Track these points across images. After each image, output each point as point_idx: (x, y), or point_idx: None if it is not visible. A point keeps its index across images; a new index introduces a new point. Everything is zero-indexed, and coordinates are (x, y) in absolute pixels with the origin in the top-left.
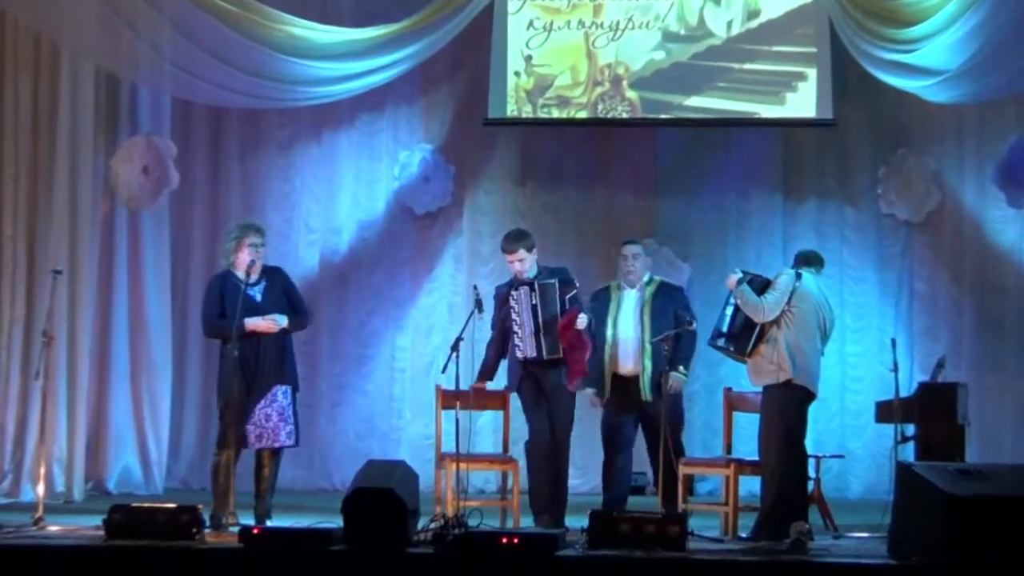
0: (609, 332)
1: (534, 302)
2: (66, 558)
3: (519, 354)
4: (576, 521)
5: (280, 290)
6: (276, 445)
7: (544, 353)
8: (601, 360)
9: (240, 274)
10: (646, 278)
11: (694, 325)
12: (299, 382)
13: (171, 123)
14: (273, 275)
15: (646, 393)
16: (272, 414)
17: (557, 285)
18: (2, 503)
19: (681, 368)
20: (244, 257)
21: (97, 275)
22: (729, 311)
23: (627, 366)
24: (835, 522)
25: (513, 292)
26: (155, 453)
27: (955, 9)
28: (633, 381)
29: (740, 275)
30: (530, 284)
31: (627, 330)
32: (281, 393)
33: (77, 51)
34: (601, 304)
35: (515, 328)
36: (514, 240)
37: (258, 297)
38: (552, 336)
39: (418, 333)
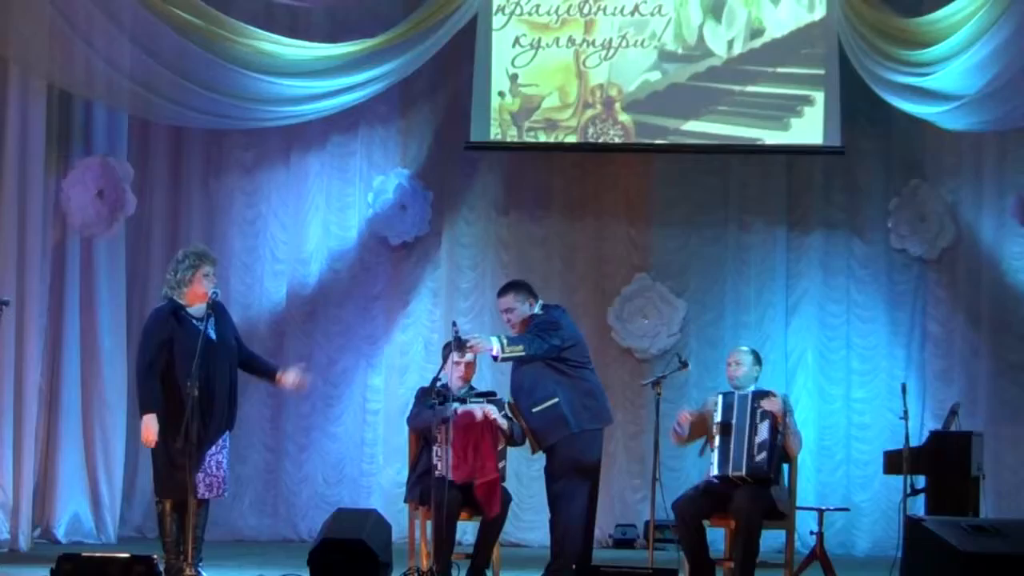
0: None
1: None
2: None
3: (436, 473)
4: None
5: (228, 325)
6: (223, 496)
7: (475, 478)
8: None
9: (193, 309)
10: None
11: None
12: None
13: (128, 144)
14: (221, 312)
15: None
16: (222, 462)
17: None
18: None
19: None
20: (199, 290)
21: (47, 306)
22: (762, 435)
23: None
24: None
25: (438, 407)
26: (108, 498)
27: (973, 30)
28: None
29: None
30: (461, 401)
31: None
32: (227, 440)
33: (27, 65)
34: None
35: (438, 445)
36: (505, 287)
37: (213, 334)
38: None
39: (392, 372)
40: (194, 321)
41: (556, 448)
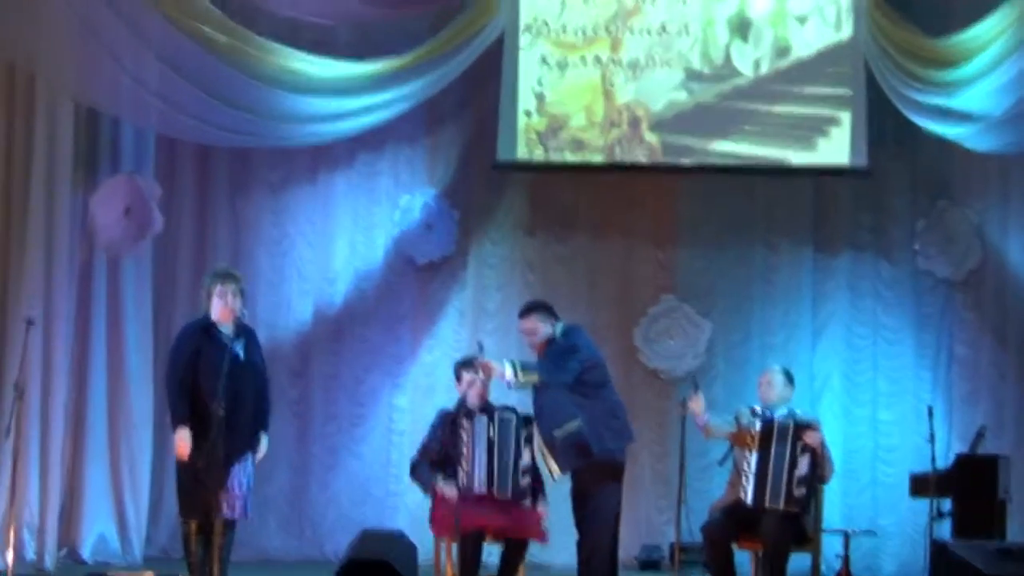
0: None
1: (491, 435)
2: None
3: (461, 486)
4: None
5: (259, 356)
6: (246, 516)
7: (496, 491)
8: None
9: (225, 327)
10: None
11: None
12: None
13: (155, 162)
14: (251, 336)
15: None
16: (244, 481)
17: (515, 421)
18: None
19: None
20: (216, 308)
21: (73, 325)
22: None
23: None
24: None
25: (465, 421)
26: (134, 519)
27: (1000, 51)
28: None
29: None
30: (488, 412)
31: None
32: (250, 459)
33: (54, 83)
34: None
35: (463, 459)
36: (526, 308)
37: (242, 355)
38: (506, 476)
39: (417, 392)
40: (223, 338)
41: (580, 471)
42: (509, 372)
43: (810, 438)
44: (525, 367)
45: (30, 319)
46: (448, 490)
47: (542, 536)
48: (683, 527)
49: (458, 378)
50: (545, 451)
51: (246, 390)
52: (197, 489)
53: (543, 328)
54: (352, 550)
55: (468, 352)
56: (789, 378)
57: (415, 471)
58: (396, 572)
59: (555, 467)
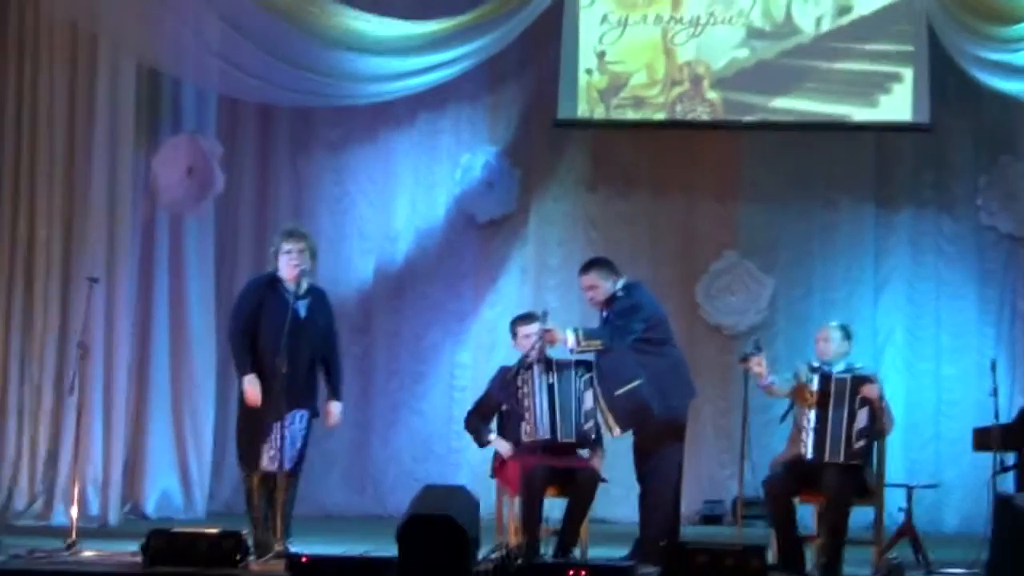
0: None
1: (551, 381)
2: None
3: (525, 437)
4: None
5: (323, 318)
6: (290, 470)
7: (559, 435)
8: None
9: (291, 284)
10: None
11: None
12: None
13: (216, 121)
14: (320, 299)
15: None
16: (287, 437)
17: (574, 367)
18: (34, 526)
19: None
20: (282, 266)
21: (136, 284)
22: (861, 422)
23: None
24: (928, 557)
25: (522, 372)
26: (196, 475)
27: None
28: None
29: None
30: (547, 362)
31: None
32: (299, 417)
33: (116, 43)
34: None
35: (524, 411)
36: (587, 264)
37: (302, 312)
38: (569, 420)
39: (480, 349)
40: (286, 295)
41: (641, 429)
42: (571, 339)
43: (868, 391)
44: (588, 333)
45: (94, 277)
46: (501, 445)
47: (598, 476)
48: (746, 482)
49: (514, 335)
50: (606, 409)
51: (303, 348)
52: (245, 438)
53: (604, 284)
54: (414, 505)
55: (528, 309)
56: (847, 333)
57: (467, 422)
58: (459, 526)
59: (616, 426)
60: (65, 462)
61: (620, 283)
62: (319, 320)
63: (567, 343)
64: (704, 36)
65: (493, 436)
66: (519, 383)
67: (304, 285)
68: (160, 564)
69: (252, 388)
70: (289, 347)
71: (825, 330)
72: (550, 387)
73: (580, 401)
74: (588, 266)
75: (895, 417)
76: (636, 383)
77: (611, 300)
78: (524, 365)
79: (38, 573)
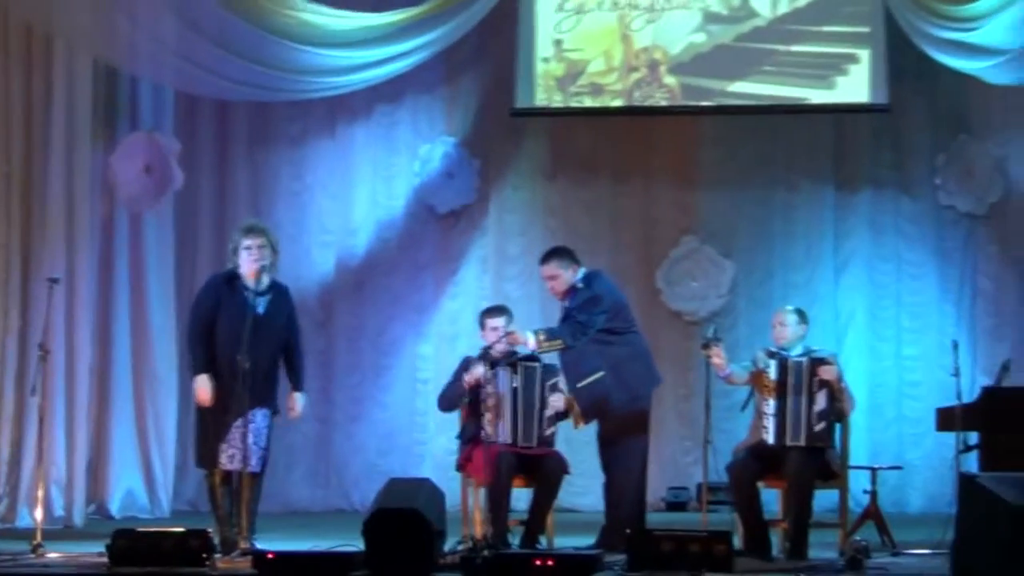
0: None
1: (515, 384)
2: None
3: (485, 438)
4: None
5: (284, 313)
6: (248, 470)
7: (519, 441)
8: None
9: (251, 281)
10: None
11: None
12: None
13: (174, 118)
14: (281, 294)
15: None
16: (248, 436)
17: (539, 370)
18: None
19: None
20: (242, 263)
21: (96, 283)
22: (820, 404)
23: None
24: (893, 538)
25: (488, 371)
26: (160, 474)
27: None
28: None
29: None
30: (512, 365)
31: None
32: (261, 415)
33: (72, 41)
34: None
35: (487, 410)
36: (547, 254)
37: (262, 309)
38: (531, 427)
39: (442, 341)
40: (245, 292)
41: (605, 418)
42: (532, 341)
43: (825, 373)
44: (549, 334)
45: (54, 278)
46: (474, 370)
47: (565, 464)
48: (709, 468)
49: (482, 326)
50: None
51: (263, 346)
52: (203, 438)
53: (564, 274)
54: (380, 499)
55: (492, 300)
56: (802, 317)
57: (441, 406)
58: (425, 519)
59: (579, 418)
60: (28, 464)
61: (581, 273)
62: (279, 317)
63: (528, 344)
64: (661, 21)
65: (464, 376)
66: (483, 381)
67: (265, 281)
68: (126, 564)
69: (204, 388)
70: (250, 345)
71: (780, 314)
72: (514, 391)
73: (544, 405)
74: (548, 256)
75: (856, 398)
76: (598, 375)
77: (572, 290)
78: (488, 360)
79: None
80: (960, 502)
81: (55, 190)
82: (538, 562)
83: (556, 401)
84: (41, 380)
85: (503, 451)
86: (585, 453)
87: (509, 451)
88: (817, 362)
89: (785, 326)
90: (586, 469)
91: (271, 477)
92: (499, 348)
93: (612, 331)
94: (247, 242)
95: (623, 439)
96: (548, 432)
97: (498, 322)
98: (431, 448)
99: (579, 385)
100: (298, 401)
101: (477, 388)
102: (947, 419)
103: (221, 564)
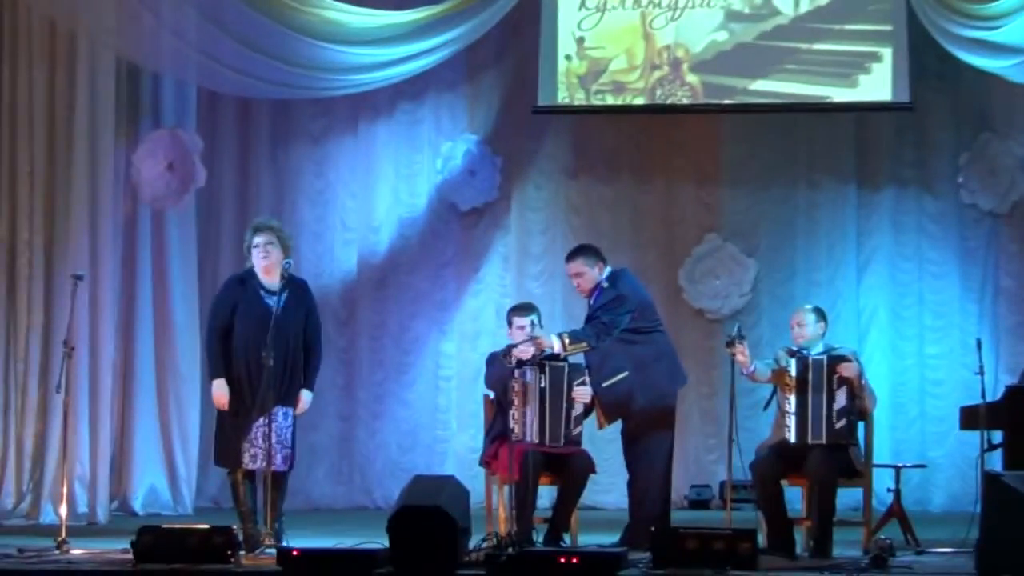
0: None
1: (542, 385)
2: None
3: (513, 437)
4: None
5: (303, 310)
6: (273, 469)
7: (547, 442)
8: None
9: (266, 280)
10: None
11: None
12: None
13: (197, 115)
14: (298, 290)
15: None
16: (268, 435)
17: (566, 369)
18: (22, 525)
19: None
20: (255, 261)
21: (119, 280)
22: (840, 402)
23: None
24: (917, 537)
25: (515, 371)
26: (183, 470)
27: None
28: None
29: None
30: (539, 365)
31: None
32: (282, 414)
33: (95, 39)
34: None
35: (514, 410)
36: (573, 251)
37: (278, 306)
38: (558, 427)
39: (464, 338)
40: (261, 291)
41: (630, 416)
42: (557, 344)
43: (845, 370)
44: (574, 336)
45: (79, 274)
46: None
47: (592, 462)
48: (734, 466)
49: (509, 324)
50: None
51: (280, 343)
52: (222, 437)
53: (590, 272)
54: (404, 496)
55: (514, 297)
56: (820, 315)
57: (488, 380)
58: (450, 517)
59: (602, 418)
60: (52, 461)
61: (606, 271)
62: (298, 313)
63: (554, 348)
64: (683, 19)
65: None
66: (512, 381)
67: (279, 278)
68: (151, 561)
69: (220, 393)
70: (262, 343)
71: (798, 314)
72: (541, 392)
73: (571, 404)
74: (574, 254)
75: (878, 396)
76: (622, 375)
77: (597, 289)
78: (512, 359)
79: (30, 573)
80: (985, 500)
81: (78, 188)
82: (562, 560)
83: (583, 395)
84: (65, 377)
85: (530, 449)
86: (610, 451)
87: (536, 449)
88: (836, 360)
89: (803, 326)
90: (610, 467)
91: (295, 474)
92: (523, 350)
93: (637, 330)
94: (256, 240)
95: (648, 437)
96: (575, 431)
97: (525, 321)
98: (453, 445)
99: (604, 385)
100: (304, 398)
101: (505, 386)
102: (971, 418)
103: (246, 561)
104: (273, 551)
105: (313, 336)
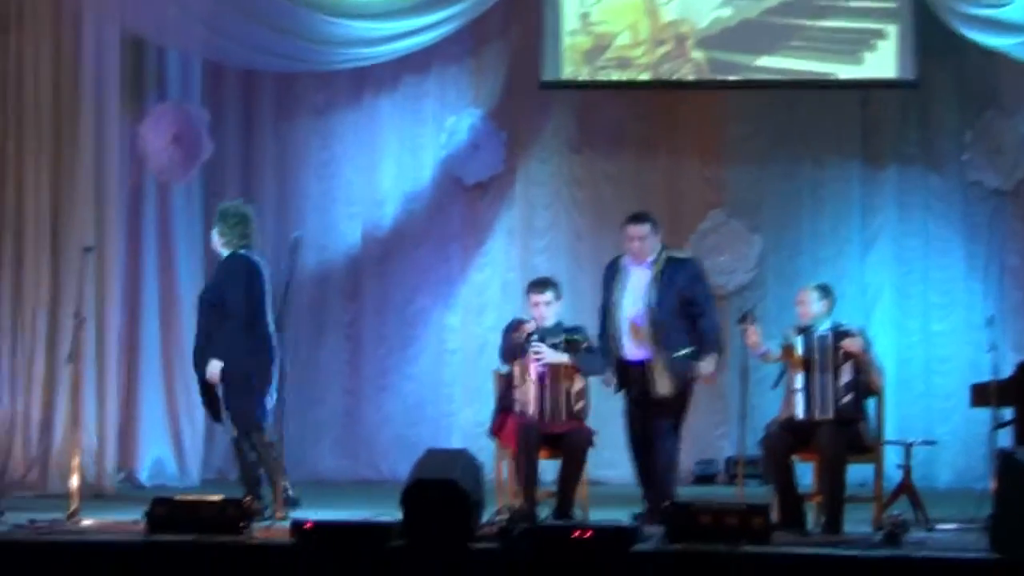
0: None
1: (542, 369)
2: (108, 555)
3: (517, 408)
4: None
5: (211, 287)
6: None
7: (547, 420)
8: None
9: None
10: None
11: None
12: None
13: (201, 88)
14: (216, 267)
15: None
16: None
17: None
18: (29, 495)
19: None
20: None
21: (125, 252)
22: (845, 377)
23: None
24: (927, 513)
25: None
26: (190, 441)
27: None
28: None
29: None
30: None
31: (632, 311)
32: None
33: (100, 11)
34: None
35: (518, 384)
36: (644, 215)
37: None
38: (559, 407)
39: (469, 312)
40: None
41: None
42: (712, 367)
43: (849, 345)
44: (712, 348)
45: (88, 246)
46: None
47: (590, 435)
48: (739, 441)
49: (529, 300)
50: (664, 369)
51: (200, 321)
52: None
53: (654, 239)
54: (417, 469)
55: (519, 271)
56: (824, 292)
57: (503, 355)
58: (463, 490)
59: (669, 385)
60: (58, 431)
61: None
62: (204, 293)
63: (712, 373)
64: None
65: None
66: (522, 353)
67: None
68: (163, 532)
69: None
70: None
71: (802, 292)
72: (540, 376)
73: (572, 382)
74: (644, 217)
75: (885, 371)
76: (690, 349)
77: (668, 260)
78: (528, 330)
79: (41, 544)
80: (999, 478)
81: (84, 160)
82: (577, 533)
83: (540, 354)
84: (76, 347)
85: (527, 423)
86: (613, 426)
87: (534, 423)
88: (841, 335)
89: (807, 304)
90: (613, 442)
91: (300, 447)
92: (538, 319)
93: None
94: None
95: (676, 412)
96: (578, 407)
97: (544, 297)
98: (459, 419)
99: (675, 356)
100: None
101: (515, 357)
102: (982, 395)
103: (259, 533)
104: (286, 523)
105: (215, 309)
